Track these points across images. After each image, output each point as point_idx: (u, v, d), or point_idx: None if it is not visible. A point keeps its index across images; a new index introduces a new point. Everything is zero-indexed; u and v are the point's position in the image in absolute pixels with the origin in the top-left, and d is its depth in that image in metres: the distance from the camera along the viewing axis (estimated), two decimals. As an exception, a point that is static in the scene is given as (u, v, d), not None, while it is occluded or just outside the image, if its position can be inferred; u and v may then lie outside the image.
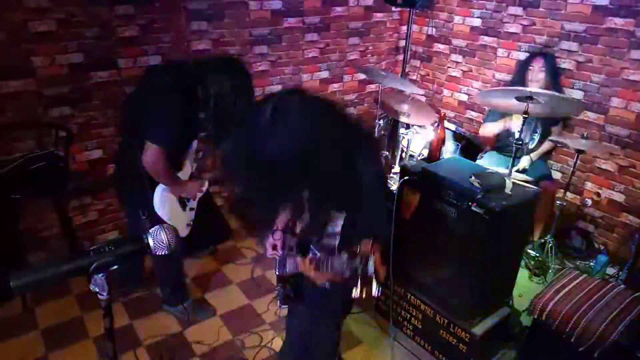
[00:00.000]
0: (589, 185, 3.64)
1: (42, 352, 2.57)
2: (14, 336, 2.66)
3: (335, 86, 4.36)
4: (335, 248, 1.63)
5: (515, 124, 3.17)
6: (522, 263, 3.20)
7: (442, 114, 3.30)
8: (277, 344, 2.68)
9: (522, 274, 3.10)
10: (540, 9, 3.66)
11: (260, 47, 3.72)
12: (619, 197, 3.48)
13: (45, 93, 2.89)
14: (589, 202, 3.62)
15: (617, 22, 3.25)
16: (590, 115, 3.51)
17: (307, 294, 1.81)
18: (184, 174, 2.50)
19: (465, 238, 2.28)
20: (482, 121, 4.25)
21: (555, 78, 3.33)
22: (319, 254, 1.49)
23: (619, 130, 3.38)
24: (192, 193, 2.54)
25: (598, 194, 3.59)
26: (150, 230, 1.14)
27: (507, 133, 3.40)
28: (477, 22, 4.13)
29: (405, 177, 2.50)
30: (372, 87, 4.59)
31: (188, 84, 2.21)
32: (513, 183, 2.33)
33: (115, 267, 1.06)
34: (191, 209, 2.62)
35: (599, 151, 3.24)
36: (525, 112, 2.55)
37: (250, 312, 2.93)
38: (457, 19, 4.28)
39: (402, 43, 4.59)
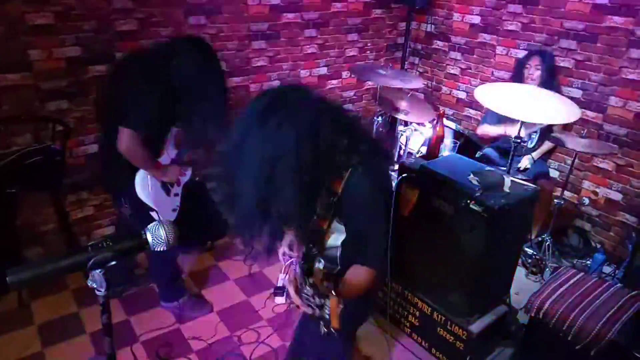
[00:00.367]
0: (586, 184, 3.65)
1: (39, 347, 2.56)
2: (10, 331, 2.65)
3: (333, 82, 4.35)
4: (337, 260, 1.59)
5: (514, 130, 3.18)
6: (519, 261, 3.20)
7: (441, 111, 3.30)
8: (274, 340, 2.68)
9: (519, 272, 3.11)
10: (540, 7, 3.65)
11: (258, 42, 3.71)
12: (616, 196, 3.49)
13: (43, 87, 2.87)
14: (587, 200, 3.63)
15: (617, 20, 3.25)
16: (588, 114, 3.52)
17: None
18: (165, 160, 2.47)
19: (464, 236, 2.28)
20: (480, 119, 4.26)
21: (551, 76, 3.33)
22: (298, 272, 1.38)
23: (617, 129, 3.39)
24: (173, 177, 2.51)
25: (596, 193, 3.60)
26: (148, 226, 1.13)
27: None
28: (476, 20, 4.13)
29: (404, 175, 2.49)
30: (370, 83, 4.58)
31: (154, 67, 2.21)
32: (512, 181, 2.33)
33: (114, 262, 1.05)
34: (176, 194, 2.61)
35: (597, 150, 3.23)
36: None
37: (247, 308, 2.93)
38: (457, 16, 4.27)
39: (401, 40, 4.59)
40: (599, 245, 3.61)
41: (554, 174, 3.79)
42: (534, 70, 3.26)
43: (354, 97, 4.57)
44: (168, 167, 2.47)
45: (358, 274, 1.52)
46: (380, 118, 3.75)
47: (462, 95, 4.42)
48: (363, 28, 4.33)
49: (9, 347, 2.54)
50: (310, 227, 1.55)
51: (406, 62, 4.53)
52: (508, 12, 3.87)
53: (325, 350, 1.81)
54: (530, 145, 3.39)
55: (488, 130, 3.44)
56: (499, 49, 4.01)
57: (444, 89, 4.55)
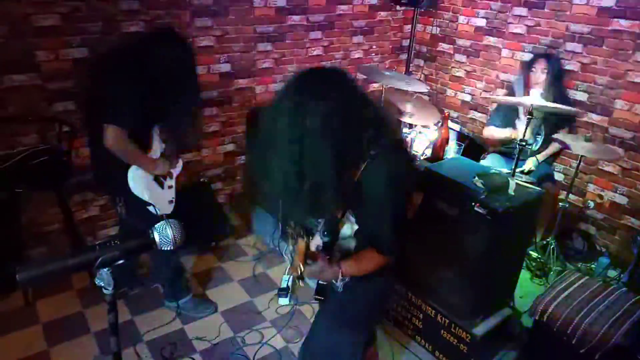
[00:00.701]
0: (591, 187, 3.64)
1: (44, 346, 2.57)
2: (16, 330, 2.66)
3: (338, 84, 4.34)
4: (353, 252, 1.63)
5: (519, 132, 3.18)
6: (524, 264, 3.19)
7: (446, 114, 3.30)
8: (278, 341, 2.69)
9: (524, 276, 3.10)
10: (545, 10, 3.65)
11: (264, 44, 3.72)
12: (621, 200, 3.48)
13: (49, 87, 2.89)
14: (592, 204, 3.62)
15: (623, 23, 3.24)
16: (594, 118, 3.51)
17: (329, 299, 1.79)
18: (154, 153, 2.47)
19: (468, 238, 2.28)
20: (485, 122, 4.26)
21: (558, 80, 3.32)
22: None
23: (623, 133, 3.38)
24: (164, 170, 2.50)
25: (601, 196, 3.59)
26: (155, 226, 1.14)
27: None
28: (481, 22, 4.13)
29: (409, 177, 2.49)
30: (375, 85, 4.58)
31: (132, 61, 2.22)
32: (516, 184, 2.33)
33: (121, 261, 1.06)
34: (170, 186, 2.61)
35: (602, 155, 3.22)
36: (530, 113, 2.55)
37: (251, 309, 2.94)
38: (462, 18, 4.27)
39: (406, 42, 4.59)
40: (603, 249, 3.60)
41: (559, 177, 3.78)
42: (540, 73, 3.25)
43: (359, 99, 4.57)
44: (158, 160, 2.46)
45: (368, 257, 1.58)
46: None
47: (467, 98, 4.41)
48: (368, 30, 4.33)
49: (15, 346, 2.56)
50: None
51: (411, 65, 4.54)
52: (513, 15, 3.87)
53: (336, 343, 1.82)
54: (535, 147, 3.38)
55: (493, 132, 3.44)
56: (504, 52, 4.00)
57: (449, 91, 4.55)
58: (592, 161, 3.58)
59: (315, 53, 4.05)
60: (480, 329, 2.40)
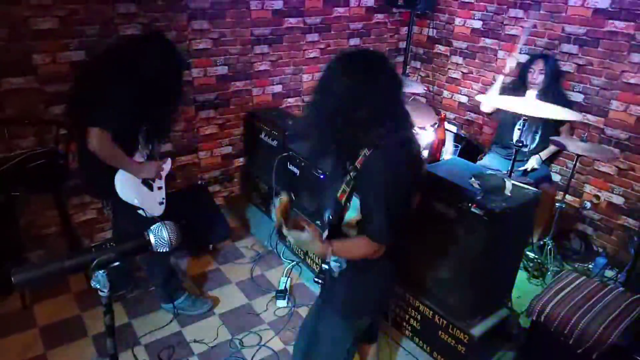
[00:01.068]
0: (588, 187, 3.65)
1: (41, 350, 2.57)
2: (13, 334, 2.66)
3: (335, 87, 4.35)
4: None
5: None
6: (521, 265, 3.20)
7: (442, 116, 3.31)
8: (276, 343, 2.68)
9: (521, 276, 3.11)
10: (541, 12, 3.67)
11: (261, 46, 3.73)
12: (618, 200, 3.49)
13: (47, 90, 2.89)
14: (588, 204, 3.63)
15: (618, 25, 3.26)
16: (590, 118, 3.52)
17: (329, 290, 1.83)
18: (139, 157, 2.46)
19: (465, 239, 2.29)
20: (482, 123, 4.28)
21: (555, 81, 3.34)
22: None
23: (619, 133, 3.39)
24: (151, 173, 2.49)
25: (597, 197, 3.60)
26: (151, 227, 1.14)
27: (505, 130, 3.38)
28: (477, 24, 4.14)
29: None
30: (372, 88, 4.58)
31: (119, 64, 2.22)
32: (513, 185, 2.34)
33: (117, 263, 1.06)
34: (159, 187, 2.61)
35: (598, 154, 3.24)
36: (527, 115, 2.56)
37: (249, 311, 2.93)
38: (458, 20, 4.29)
39: (403, 44, 4.60)
40: (600, 249, 3.60)
41: (555, 177, 3.79)
42: (538, 74, 3.27)
43: (356, 101, 4.58)
44: (144, 163, 2.45)
45: (359, 241, 1.61)
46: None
47: (463, 99, 4.43)
48: (365, 33, 4.35)
49: (12, 349, 2.55)
50: (332, 198, 1.65)
51: (408, 67, 4.55)
52: (509, 17, 3.89)
53: (322, 328, 1.83)
54: (532, 146, 3.39)
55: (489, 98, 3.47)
56: (501, 54, 4.02)
57: (446, 93, 4.57)
58: (588, 162, 3.59)
59: (312, 55, 4.06)
60: (477, 330, 2.40)
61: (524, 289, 3.08)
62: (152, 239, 1.12)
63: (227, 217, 3.61)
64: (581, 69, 3.52)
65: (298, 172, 3.25)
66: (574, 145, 2.97)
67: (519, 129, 3.00)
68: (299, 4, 3.80)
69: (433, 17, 4.46)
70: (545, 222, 3.46)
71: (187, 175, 3.73)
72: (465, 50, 4.29)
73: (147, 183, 2.51)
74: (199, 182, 3.71)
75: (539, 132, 3.36)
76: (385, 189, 1.51)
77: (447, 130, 3.51)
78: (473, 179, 2.30)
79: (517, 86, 3.44)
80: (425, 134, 3.52)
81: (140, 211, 2.40)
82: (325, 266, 1.72)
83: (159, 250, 1.14)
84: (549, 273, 3.26)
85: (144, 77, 2.21)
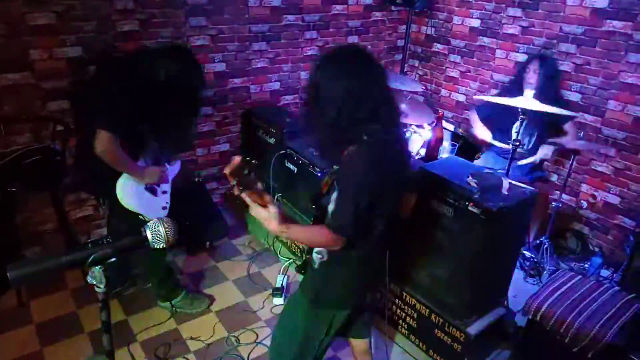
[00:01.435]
0: (584, 187, 3.66)
1: (37, 346, 2.56)
2: (9, 330, 2.65)
3: (333, 84, 4.35)
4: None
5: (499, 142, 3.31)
6: (517, 264, 3.21)
7: (440, 114, 3.31)
8: (272, 341, 2.69)
9: (517, 275, 3.12)
10: (539, 11, 3.67)
11: (259, 43, 3.72)
12: (614, 200, 3.50)
13: (43, 86, 2.88)
14: (585, 204, 3.64)
15: (616, 25, 3.27)
16: (587, 118, 3.53)
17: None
18: (142, 162, 2.45)
19: (462, 238, 2.29)
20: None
21: (550, 81, 3.31)
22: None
23: (615, 133, 3.40)
24: (153, 178, 2.47)
25: (594, 196, 3.61)
26: (148, 223, 1.14)
27: (503, 130, 3.39)
28: (476, 23, 4.14)
29: (403, 176, 2.50)
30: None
31: (134, 70, 2.23)
32: (510, 183, 2.34)
33: (113, 259, 1.06)
34: (164, 192, 2.60)
35: (594, 152, 3.23)
36: (524, 113, 2.57)
37: (245, 308, 2.93)
38: (456, 19, 4.29)
39: (401, 42, 4.60)
40: (596, 249, 3.62)
41: (552, 177, 3.80)
42: (533, 74, 3.27)
43: (354, 99, 4.57)
44: (147, 169, 2.44)
45: (318, 229, 1.60)
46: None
47: (461, 98, 4.43)
48: (363, 30, 4.34)
49: (8, 346, 2.55)
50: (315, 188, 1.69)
51: (406, 65, 4.55)
52: (507, 16, 3.89)
53: (295, 319, 1.84)
54: (527, 146, 3.39)
55: (477, 126, 3.50)
56: (499, 52, 4.02)
57: (443, 91, 4.57)
58: (585, 161, 3.60)
59: (310, 53, 4.05)
60: (474, 328, 2.40)
61: (520, 287, 3.09)
62: (149, 235, 1.12)
63: (224, 214, 3.61)
64: (579, 68, 3.52)
65: (296, 170, 3.25)
66: (571, 142, 2.97)
67: (516, 132, 3.00)
68: (298, 0, 3.79)
69: (431, 15, 4.46)
70: (541, 221, 3.47)
71: (184, 172, 3.72)
72: (464, 49, 4.29)
73: (151, 188, 2.50)
74: (196, 179, 3.70)
75: (535, 134, 3.36)
76: (358, 185, 1.52)
77: (445, 128, 3.51)
78: (470, 177, 2.31)
79: (514, 86, 3.43)
80: (422, 132, 3.53)
81: (140, 216, 2.40)
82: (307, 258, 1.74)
83: (155, 246, 1.13)
84: (545, 272, 3.27)
85: (156, 86, 2.21)
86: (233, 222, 3.76)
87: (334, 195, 1.58)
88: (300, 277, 1.94)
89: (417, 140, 3.51)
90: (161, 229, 1.13)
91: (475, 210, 2.19)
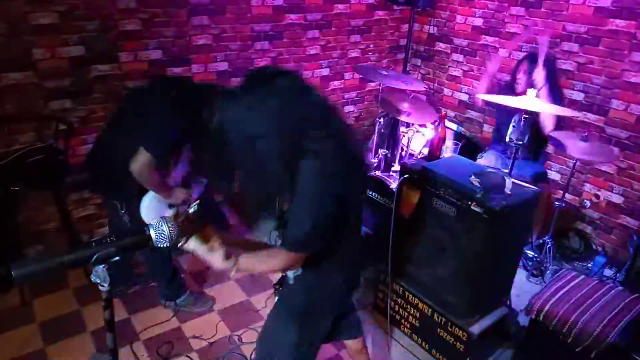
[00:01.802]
0: (587, 186, 3.65)
1: (40, 345, 2.57)
2: (12, 329, 2.66)
3: (335, 84, 4.35)
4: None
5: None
6: (520, 263, 3.21)
7: (443, 113, 3.31)
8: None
9: (520, 275, 3.11)
10: (542, 10, 3.66)
11: (261, 43, 3.72)
12: (617, 199, 3.49)
13: (46, 86, 2.88)
14: (588, 203, 3.63)
15: (619, 23, 3.26)
16: (590, 117, 3.52)
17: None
18: (171, 182, 2.48)
19: (465, 237, 2.29)
20: (482, 121, 4.28)
21: (550, 80, 3.24)
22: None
23: (619, 132, 3.39)
24: (179, 200, 2.48)
25: (597, 196, 3.60)
26: (152, 222, 1.14)
27: (502, 128, 3.36)
28: (478, 22, 4.13)
29: (406, 176, 2.50)
30: (372, 85, 4.59)
31: (195, 103, 2.21)
32: (513, 183, 2.33)
33: (117, 258, 1.06)
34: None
35: (598, 155, 3.20)
36: (527, 112, 2.56)
37: (248, 308, 2.94)
38: (459, 18, 4.28)
39: (404, 41, 4.59)
40: (600, 248, 3.61)
41: (555, 176, 3.79)
42: (522, 75, 3.21)
43: (356, 98, 4.58)
44: (175, 190, 2.46)
45: (273, 253, 1.55)
46: (382, 119, 3.76)
47: (464, 97, 4.42)
48: (366, 29, 4.34)
49: (11, 344, 2.55)
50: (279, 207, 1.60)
51: (408, 64, 4.54)
52: (510, 15, 3.88)
53: (277, 333, 1.82)
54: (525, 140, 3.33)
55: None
56: (501, 51, 4.01)
57: (446, 90, 4.56)
58: (588, 161, 3.59)
59: (312, 52, 4.05)
60: (476, 328, 2.40)
61: (523, 287, 3.09)
62: (153, 234, 1.12)
63: (226, 213, 3.61)
64: (582, 67, 3.51)
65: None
66: (574, 146, 2.95)
67: (513, 126, 2.97)
68: (300, 0, 3.79)
69: (434, 14, 4.46)
70: (542, 220, 3.46)
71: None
72: (466, 48, 4.29)
73: (172, 206, 2.50)
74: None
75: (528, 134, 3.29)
76: (311, 198, 1.45)
77: (448, 128, 3.50)
78: (473, 176, 2.30)
79: (505, 87, 3.41)
80: (425, 131, 3.52)
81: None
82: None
83: (159, 245, 1.13)
84: (548, 272, 3.26)
85: (208, 130, 2.19)
86: (236, 221, 3.76)
87: (290, 212, 1.52)
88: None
89: (420, 140, 3.51)
90: (165, 228, 1.13)
91: (478, 209, 2.19)
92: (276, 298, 1.94)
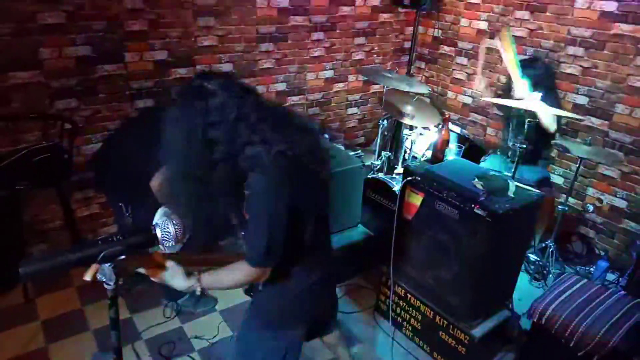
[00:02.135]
0: (591, 190, 3.65)
1: (42, 343, 2.58)
2: (15, 327, 2.67)
3: (339, 86, 4.36)
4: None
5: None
6: (523, 267, 3.20)
7: (446, 116, 3.31)
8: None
9: (522, 278, 3.11)
10: (547, 14, 3.66)
11: (266, 44, 3.73)
12: (621, 204, 3.48)
13: (52, 85, 2.90)
14: (591, 207, 3.62)
15: (624, 28, 3.25)
16: (594, 121, 3.52)
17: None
18: None
19: (467, 240, 2.29)
20: (485, 124, 4.28)
21: (537, 87, 3.17)
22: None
23: (623, 137, 3.39)
24: None
25: (600, 200, 3.60)
26: (158, 222, 1.15)
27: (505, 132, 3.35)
28: (483, 25, 4.14)
29: (409, 178, 2.50)
30: (376, 87, 4.59)
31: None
32: (516, 186, 2.34)
33: (123, 257, 1.07)
34: None
35: (602, 158, 3.20)
36: (531, 115, 2.56)
37: (250, 308, 2.94)
38: (464, 21, 4.28)
39: (408, 44, 4.60)
40: (602, 253, 3.60)
41: (558, 180, 3.78)
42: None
43: (360, 100, 4.59)
44: None
45: (236, 267, 1.52)
46: (385, 122, 3.76)
47: (467, 100, 4.42)
48: (370, 32, 4.35)
49: (14, 342, 2.56)
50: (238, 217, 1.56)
51: (412, 67, 4.55)
52: (515, 18, 3.88)
53: (251, 341, 1.79)
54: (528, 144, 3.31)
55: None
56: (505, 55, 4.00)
57: (450, 93, 4.56)
58: (591, 165, 3.58)
59: (317, 54, 4.06)
60: (478, 331, 2.40)
61: (525, 291, 3.08)
62: (159, 233, 1.13)
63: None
64: (586, 71, 3.51)
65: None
66: (578, 149, 2.95)
67: (512, 130, 2.97)
68: (305, 2, 3.80)
69: (438, 17, 4.46)
70: (545, 224, 3.45)
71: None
72: (471, 51, 4.29)
73: None
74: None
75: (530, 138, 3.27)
76: (266, 210, 1.43)
77: (451, 130, 3.51)
78: (476, 179, 2.30)
79: (506, 89, 3.39)
80: (429, 134, 3.53)
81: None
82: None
83: (165, 244, 1.14)
84: (550, 276, 3.26)
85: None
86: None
87: (247, 226, 1.49)
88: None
89: (424, 142, 3.51)
90: (171, 228, 1.14)
91: (481, 212, 2.19)
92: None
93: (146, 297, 2.93)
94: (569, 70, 3.58)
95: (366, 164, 3.39)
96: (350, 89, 4.46)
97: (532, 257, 3.34)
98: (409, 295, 2.65)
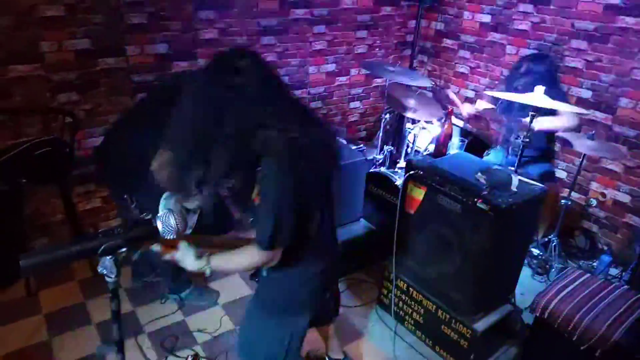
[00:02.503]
0: (594, 185, 3.63)
1: (45, 336, 2.59)
2: (18, 320, 2.67)
3: (341, 79, 4.34)
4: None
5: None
6: (525, 261, 3.19)
7: (449, 110, 3.29)
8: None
9: (525, 273, 3.10)
10: (551, 7, 3.63)
11: (267, 37, 3.71)
12: (624, 198, 3.47)
13: (53, 78, 2.89)
14: (594, 202, 3.61)
15: (629, 21, 3.23)
16: (598, 115, 3.50)
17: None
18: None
19: (470, 234, 2.28)
20: (488, 118, 4.25)
21: (540, 82, 3.13)
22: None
23: (627, 131, 3.37)
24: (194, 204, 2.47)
25: (603, 194, 3.58)
26: (159, 215, 1.14)
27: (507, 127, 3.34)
28: (486, 18, 4.11)
29: (411, 172, 2.49)
30: (378, 81, 4.57)
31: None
32: (519, 180, 2.32)
33: (124, 250, 1.07)
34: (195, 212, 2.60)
35: (605, 153, 3.18)
36: (535, 110, 2.54)
37: (252, 302, 2.94)
38: (467, 14, 4.26)
39: (411, 37, 4.58)
40: (605, 247, 3.59)
41: (562, 174, 3.77)
42: (519, 76, 3.13)
43: (362, 94, 4.57)
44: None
45: (245, 251, 1.52)
46: (388, 115, 3.75)
47: (470, 94, 4.40)
48: (372, 25, 4.32)
49: (17, 336, 2.57)
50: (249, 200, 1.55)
51: (415, 60, 4.52)
52: (519, 12, 3.86)
53: (256, 328, 1.79)
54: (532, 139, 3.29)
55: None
56: (509, 48, 3.99)
57: (453, 87, 4.54)
58: (595, 159, 3.57)
59: (318, 47, 4.04)
60: (481, 325, 2.40)
61: (527, 285, 3.08)
62: (160, 226, 1.13)
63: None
64: (590, 65, 3.49)
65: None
66: (581, 144, 2.93)
67: (512, 124, 2.95)
68: (307, -5, 3.78)
69: (441, 10, 4.43)
70: (549, 219, 3.44)
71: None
72: (473, 45, 4.26)
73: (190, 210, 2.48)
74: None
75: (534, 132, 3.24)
76: (276, 195, 1.42)
77: (454, 124, 3.49)
78: (479, 173, 2.29)
79: (503, 85, 3.37)
80: (431, 128, 3.51)
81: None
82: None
83: (166, 237, 1.14)
84: (553, 270, 3.25)
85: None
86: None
87: (257, 210, 1.48)
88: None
89: (426, 136, 3.50)
90: (172, 220, 1.14)
91: (483, 206, 2.18)
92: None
93: (149, 291, 2.94)
94: (572, 64, 3.56)
95: (368, 158, 3.38)
96: (353, 82, 4.44)
97: (535, 251, 3.33)
98: (411, 289, 2.65)
